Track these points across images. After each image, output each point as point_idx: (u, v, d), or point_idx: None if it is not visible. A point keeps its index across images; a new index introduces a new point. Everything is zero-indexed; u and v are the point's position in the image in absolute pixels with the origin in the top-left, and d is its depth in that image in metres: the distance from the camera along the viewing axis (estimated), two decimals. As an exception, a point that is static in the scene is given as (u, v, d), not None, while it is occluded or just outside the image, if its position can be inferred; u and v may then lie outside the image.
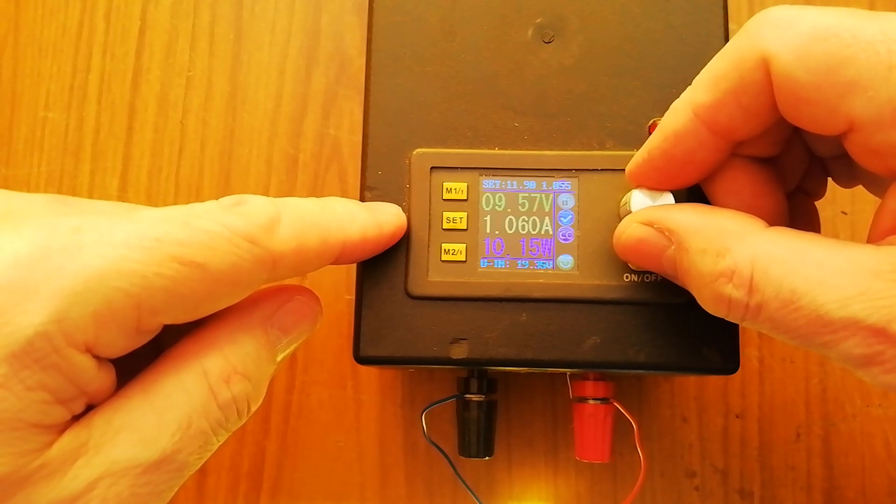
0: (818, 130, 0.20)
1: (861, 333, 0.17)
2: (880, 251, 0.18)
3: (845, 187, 0.25)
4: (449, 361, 0.25)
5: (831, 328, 0.17)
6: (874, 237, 0.20)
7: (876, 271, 0.17)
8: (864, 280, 0.17)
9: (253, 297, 0.22)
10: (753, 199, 0.22)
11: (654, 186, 0.23)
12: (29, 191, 0.37)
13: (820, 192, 0.25)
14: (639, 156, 0.23)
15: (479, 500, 0.33)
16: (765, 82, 0.19)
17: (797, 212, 0.25)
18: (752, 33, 0.20)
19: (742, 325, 0.20)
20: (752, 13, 0.37)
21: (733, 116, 0.21)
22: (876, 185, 0.23)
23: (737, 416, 0.34)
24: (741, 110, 0.20)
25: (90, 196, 0.37)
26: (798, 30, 0.19)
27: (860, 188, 0.24)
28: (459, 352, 0.25)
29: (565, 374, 0.30)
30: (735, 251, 0.19)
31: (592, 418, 0.29)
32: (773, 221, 0.22)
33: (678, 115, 0.21)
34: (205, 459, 0.19)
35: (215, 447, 0.20)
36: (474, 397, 0.29)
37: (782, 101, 0.20)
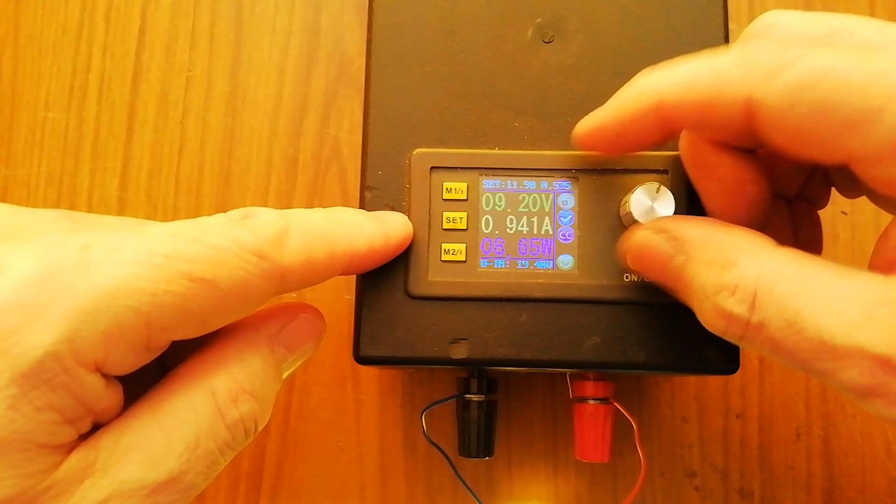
0: (813, 162, 0.20)
1: (866, 363, 0.16)
2: (890, 280, 0.17)
3: (848, 198, 0.24)
4: (449, 361, 0.25)
5: (834, 354, 0.17)
6: (878, 265, 0.19)
7: (885, 300, 0.17)
8: (873, 308, 0.17)
9: (259, 314, 0.21)
10: (736, 185, 0.22)
11: (598, 151, 0.24)
12: (29, 191, 0.37)
13: (822, 201, 0.25)
14: (591, 122, 0.23)
15: (479, 500, 0.33)
16: (740, 114, 0.19)
17: (799, 221, 0.25)
18: (736, 76, 0.19)
19: (740, 345, 0.20)
20: (752, 13, 0.37)
21: (694, 123, 0.20)
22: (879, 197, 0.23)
23: (737, 416, 0.34)
24: (704, 122, 0.20)
25: (90, 196, 0.37)
26: (788, 77, 0.18)
27: None
28: (459, 352, 0.25)
29: (565, 374, 0.30)
30: (742, 264, 0.19)
31: (592, 418, 0.29)
32: (756, 211, 0.22)
33: (641, 99, 0.21)
34: (211, 480, 0.19)
35: (221, 467, 0.19)
36: (474, 397, 0.29)
37: (772, 139, 0.19)
